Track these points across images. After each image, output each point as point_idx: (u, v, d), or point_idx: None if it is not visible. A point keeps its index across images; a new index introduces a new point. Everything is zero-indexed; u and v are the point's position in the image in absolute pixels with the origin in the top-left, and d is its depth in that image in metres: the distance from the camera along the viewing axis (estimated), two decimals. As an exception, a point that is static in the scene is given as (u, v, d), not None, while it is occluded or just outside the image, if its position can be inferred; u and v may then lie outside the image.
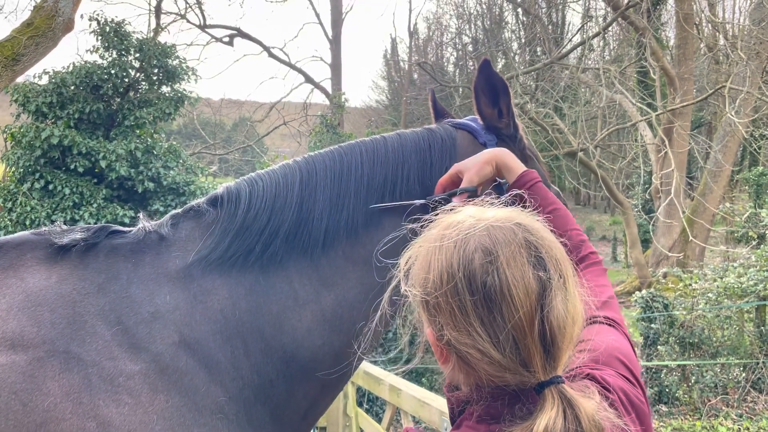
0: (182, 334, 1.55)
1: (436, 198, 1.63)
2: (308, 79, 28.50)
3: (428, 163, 1.79)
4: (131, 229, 1.74)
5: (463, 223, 1.01)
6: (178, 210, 1.77)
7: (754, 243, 11.20)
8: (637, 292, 8.21)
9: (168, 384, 1.49)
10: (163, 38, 21.21)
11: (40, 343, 1.47)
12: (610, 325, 1.23)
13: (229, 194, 1.73)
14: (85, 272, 1.60)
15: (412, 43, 37.50)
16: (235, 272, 1.64)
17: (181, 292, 1.61)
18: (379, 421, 5.13)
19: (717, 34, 18.57)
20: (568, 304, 0.96)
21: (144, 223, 1.73)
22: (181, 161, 12.25)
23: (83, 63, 11.53)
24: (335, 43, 30.12)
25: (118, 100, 11.78)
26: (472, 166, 1.61)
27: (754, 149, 18.07)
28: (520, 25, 31.01)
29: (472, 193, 1.59)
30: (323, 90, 28.93)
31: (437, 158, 1.80)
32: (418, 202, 1.67)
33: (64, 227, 1.71)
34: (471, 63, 35.05)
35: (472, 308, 0.94)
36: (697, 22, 17.18)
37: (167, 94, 12.32)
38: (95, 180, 11.13)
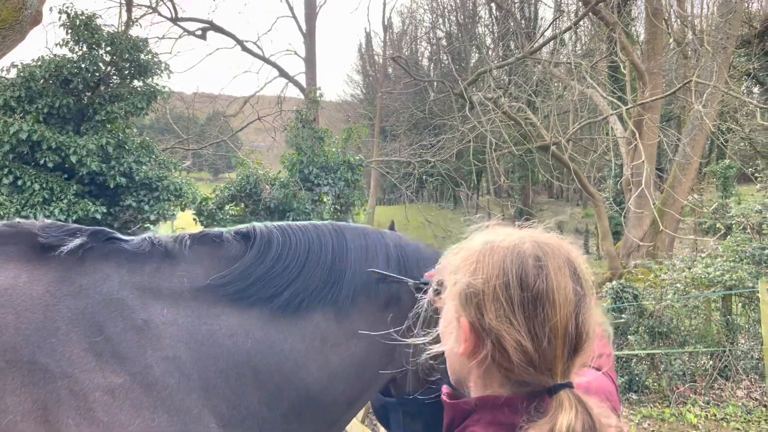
0: (177, 351, 1.41)
1: (424, 281, 1.72)
2: (282, 73, 28.29)
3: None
4: (132, 237, 1.61)
5: (510, 236, 1.11)
6: (195, 232, 1.69)
7: (720, 233, 11.46)
8: (607, 283, 8.35)
9: (155, 401, 1.34)
10: (135, 32, 20.89)
11: (0, 352, 1.29)
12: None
13: (261, 237, 1.68)
14: (66, 273, 1.43)
15: (387, 38, 37.44)
16: (255, 310, 1.57)
17: (183, 309, 1.47)
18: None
19: (685, 29, 18.89)
20: (592, 320, 1.06)
21: (149, 235, 1.61)
22: (153, 156, 12.13)
23: (53, 56, 11.33)
24: (309, 36, 29.92)
25: (89, 94, 11.61)
26: None
27: (721, 143, 18.45)
28: (494, 20, 31.18)
29: None
30: (298, 84, 28.75)
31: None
32: (411, 282, 1.77)
33: (48, 222, 1.54)
34: (445, 57, 35.11)
35: (520, 303, 1.02)
36: (666, 18, 17.45)
37: (139, 89, 12.17)
38: (65, 175, 10.98)
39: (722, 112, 16.48)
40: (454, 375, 1.16)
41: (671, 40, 19.10)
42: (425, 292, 1.59)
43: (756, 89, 22.15)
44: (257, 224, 1.74)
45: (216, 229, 1.71)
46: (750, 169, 13.05)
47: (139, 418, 1.30)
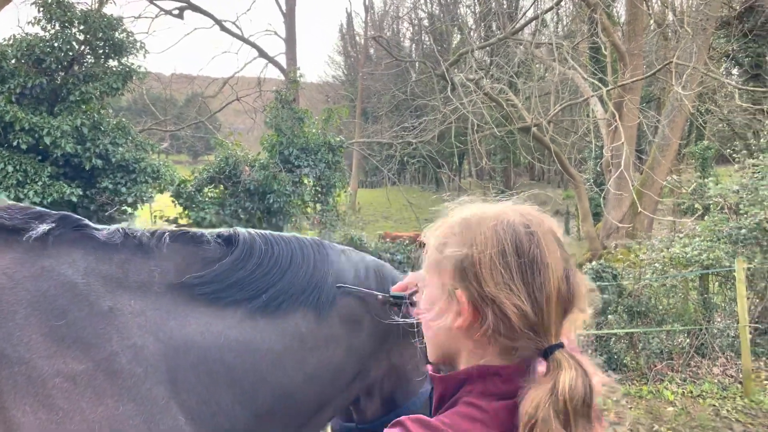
0: (145, 341, 1.36)
1: (394, 295, 1.75)
2: (262, 54, 27.98)
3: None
4: (104, 226, 1.53)
5: (491, 208, 1.13)
6: (175, 229, 1.63)
7: (698, 214, 11.58)
8: (587, 263, 8.41)
9: (120, 389, 1.28)
10: (109, 10, 20.46)
11: None
12: None
13: (244, 243, 1.65)
14: (26, 255, 1.34)
15: (368, 18, 37.13)
16: (230, 310, 1.53)
17: (151, 302, 1.42)
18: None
19: (666, 10, 18.93)
20: (579, 280, 1.10)
21: (122, 227, 1.54)
22: (130, 138, 11.94)
23: (24, 35, 11.07)
24: (289, 16, 29.58)
25: (62, 74, 11.37)
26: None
27: (700, 124, 18.61)
28: (475, 0, 30.99)
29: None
30: (277, 65, 28.47)
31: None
32: (380, 295, 1.78)
33: (9, 203, 1.44)
34: (427, 38, 34.93)
35: (517, 268, 1.04)
36: (647, -1, 17.45)
37: (114, 68, 11.94)
38: (40, 157, 10.77)
39: (701, 93, 16.59)
40: (441, 352, 1.16)
41: (652, 21, 19.13)
42: (395, 305, 1.71)
43: (735, 70, 22.34)
44: (240, 229, 1.72)
45: (197, 230, 1.67)
46: (728, 150, 13.15)
47: (101, 405, 1.25)
